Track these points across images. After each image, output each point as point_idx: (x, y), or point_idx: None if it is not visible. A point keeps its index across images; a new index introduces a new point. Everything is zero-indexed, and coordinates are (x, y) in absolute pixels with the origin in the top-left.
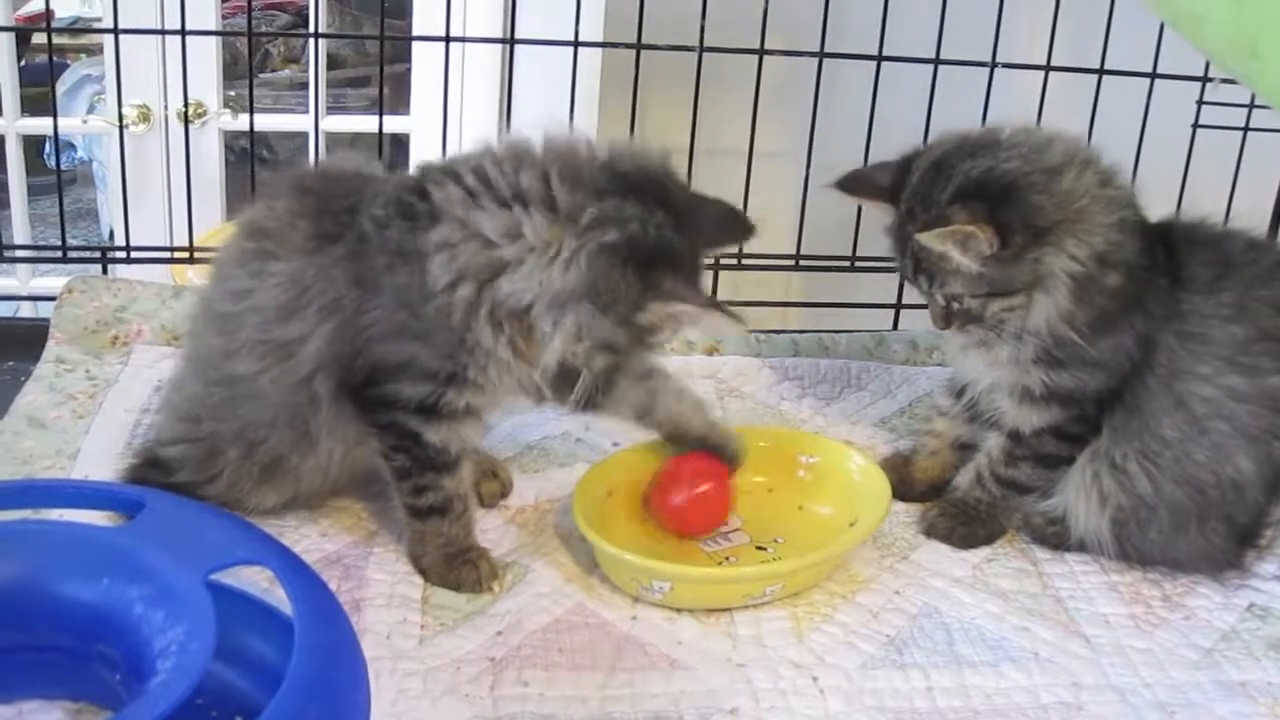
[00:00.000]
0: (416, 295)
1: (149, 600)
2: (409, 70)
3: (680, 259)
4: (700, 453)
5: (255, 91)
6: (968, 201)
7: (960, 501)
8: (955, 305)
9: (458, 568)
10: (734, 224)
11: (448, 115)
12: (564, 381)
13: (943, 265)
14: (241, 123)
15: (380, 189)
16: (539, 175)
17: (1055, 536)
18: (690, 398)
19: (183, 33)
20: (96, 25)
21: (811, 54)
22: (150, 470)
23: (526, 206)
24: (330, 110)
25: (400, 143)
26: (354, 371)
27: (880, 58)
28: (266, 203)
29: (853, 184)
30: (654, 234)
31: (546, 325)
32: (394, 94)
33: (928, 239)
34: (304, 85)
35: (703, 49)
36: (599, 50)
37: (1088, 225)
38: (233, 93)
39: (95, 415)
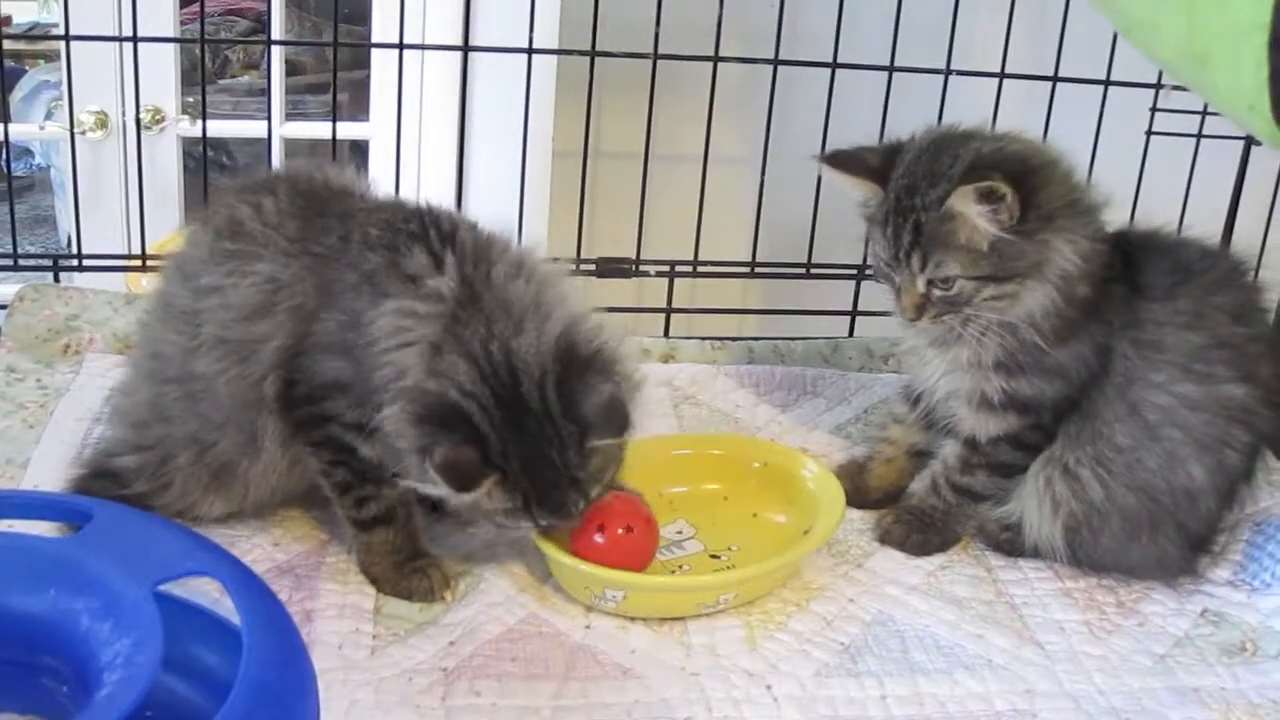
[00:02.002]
0: (368, 326)
1: (96, 612)
2: (369, 77)
3: (502, 465)
4: (623, 495)
5: (215, 97)
6: (991, 169)
7: (915, 509)
8: (938, 291)
9: (408, 576)
10: (609, 416)
11: (401, 122)
12: None
13: (947, 239)
14: (200, 129)
15: (376, 209)
16: (485, 326)
17: (1009, 543)
18: None
19: (135, 39)
20: (52, 31)
21: (766, 61)
22: (97, 481)
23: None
24: (290, 116)
25: (360, 149)
26: (294, 371)
27: (835, 65)
28: (248, 201)
29: (841, 160)
30: (469, 406)
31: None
32: (354, 101)
33: (960, 195)
34: (264, 91)
35: (657, 56)
36: (554, 57)
37: (1080, 223)
38: (191, 99)
39: (46, 424)
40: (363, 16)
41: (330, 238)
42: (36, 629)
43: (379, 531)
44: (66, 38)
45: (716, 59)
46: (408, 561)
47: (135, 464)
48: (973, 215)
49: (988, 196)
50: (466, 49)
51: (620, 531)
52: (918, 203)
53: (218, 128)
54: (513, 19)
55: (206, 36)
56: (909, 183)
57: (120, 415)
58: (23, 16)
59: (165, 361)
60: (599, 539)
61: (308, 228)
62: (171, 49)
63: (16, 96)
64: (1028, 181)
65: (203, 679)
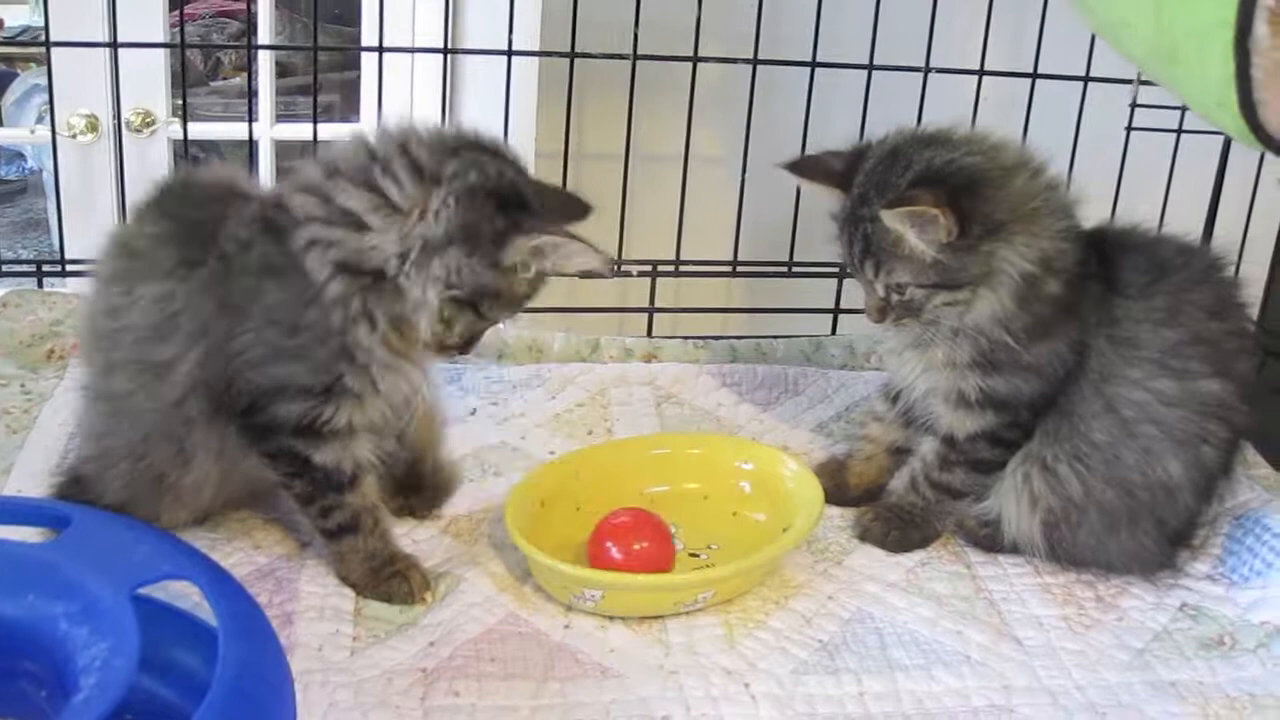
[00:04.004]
0: (290, 309)
1: (73, 616)
2: (358, 78)
3: (533, 205)
4: (637, 509)
5: (206, 99)
6: (931, 186)
7: (895, 506)
8: (896, 296)
9: (386, 579)
10: (570, 203)
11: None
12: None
13: (894, 250)
14: (190, 132)
15: (246, 208)
16: (397, 145)
17: (988, 539)
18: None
19: (114, 45)
20: (42, 36)
21: (746, 61)
22: (75, 487)
23: (393, 176)
24: (280, 118)
25: None
26: (231, 397)
27: (814, 64)
28: (136, 218)
29: (804, 167)
30: (510, 177)
31: (416, 284)
32: (345, 101)
33: (890, 216)
34: (255, 93)
35: (636, 56)
36: (536, 59)
37: (1038, 228)
38: (181, 101)
39: (30, 430)
40: (354, 18)
41: (210, 257)
42: (15, 633)
43: (348, 539)
44: (48, 44)
45: (696, 59)
46: (385, 565)
47: (94, 473)
48: (907, 234)
49: (919, 217)
50: (447, 51)
51: (637, 547)
52: (866, 213)
53: (209, 130)
54: (496, 21)
55: (192, 41)
56: (862, 191)
57: (82, 426)
58: (15, 20)
59: (91, 378)
60: (616, 554)
61: (185, 249)
62: (162, 52)
63: (8, 100)
64: (969, 197)
65: (183, 681)
